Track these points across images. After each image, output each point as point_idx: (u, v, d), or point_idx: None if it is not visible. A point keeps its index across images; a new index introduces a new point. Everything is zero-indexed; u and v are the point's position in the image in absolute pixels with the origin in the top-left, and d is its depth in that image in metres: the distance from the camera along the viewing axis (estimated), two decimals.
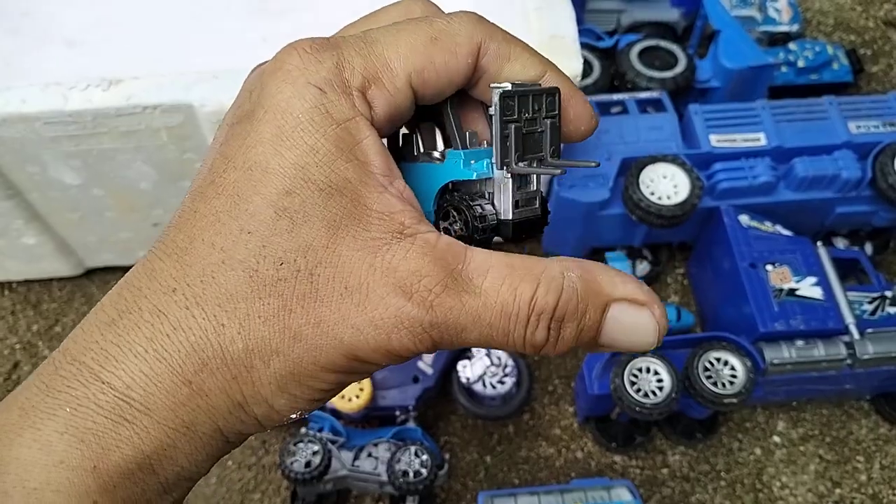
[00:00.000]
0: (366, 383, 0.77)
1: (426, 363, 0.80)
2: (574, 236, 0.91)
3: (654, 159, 0.83)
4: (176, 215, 0.29)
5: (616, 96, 0.92)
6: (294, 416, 0.29)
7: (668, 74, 0.95)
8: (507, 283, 0.26)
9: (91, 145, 0.69)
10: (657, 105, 0.92)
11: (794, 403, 0.88)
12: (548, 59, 0.30)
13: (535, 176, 0.31)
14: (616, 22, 1.11)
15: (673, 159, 0.83)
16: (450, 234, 0.29)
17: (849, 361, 0.78)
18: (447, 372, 0.83)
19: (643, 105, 0.92)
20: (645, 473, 0.84)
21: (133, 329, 0.27)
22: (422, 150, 0.32)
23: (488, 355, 0.81)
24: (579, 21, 1.09)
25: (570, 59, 0.71)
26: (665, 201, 0.81)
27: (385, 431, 0.78)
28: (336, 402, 0.76)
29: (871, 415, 0.88)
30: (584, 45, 1.01)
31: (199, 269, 0.27)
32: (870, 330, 0.79)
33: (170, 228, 0.28)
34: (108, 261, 0.91)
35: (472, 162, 0.30)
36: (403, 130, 0.32)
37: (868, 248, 0.97)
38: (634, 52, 0.98)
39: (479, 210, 0.30)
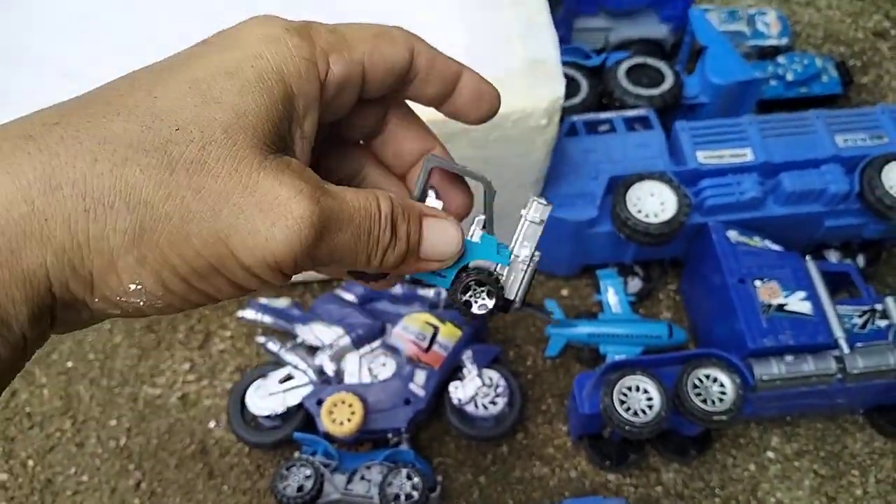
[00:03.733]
0: (357, 406, 0.77)
1: (418, 385, 0.81)
2: (564, 254, 0.92)
3: (640, 177, 0.84)
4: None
5: (603, 115, 0.93)
6: (131, 291, 0.27)
7: (655, 92, 0.96)
8: (360, 195, 0.31)
9: None
10: (645, 122, 0.93)
11: (787, 418, 0.88)
12: (458, 60, 0.36)
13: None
14: (604, 40, 1.12)
15: (660, 177, 0.83)
16: (469, 307, 0.36)
17: (839, 376, 0.78)
18: (439, 394, 0.83)
19: (630, 123, 0.93)
20: (639, 491, 0.84)
21: (4, 148, 0.25)
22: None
23: (480, 376, 0.81)
24: (567, 40, 1.11)
25: (552, 84, 0.71)
26: (652, 219, 0.81)
27: (377, 454, 0.79)
28: (328, 425, 0.76)
29: (866, 428, 0.88)
30: (572, 64, 1.02)
31: (91, 112, 0.27)
32: (860, 344, 0.79)
33: (100, 86, 0.29)
34: None
35: (501, 250, 0.35)
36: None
37: (860, 259, 0.97)
38: (622, 70, 0.99)
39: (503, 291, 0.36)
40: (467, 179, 0.37)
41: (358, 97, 0.33)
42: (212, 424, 0.87)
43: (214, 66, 0.28)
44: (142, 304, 0.28)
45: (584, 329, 0.89)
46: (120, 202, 0.25)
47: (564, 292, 0.97)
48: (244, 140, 0.28)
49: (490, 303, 0.36)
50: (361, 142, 0.38)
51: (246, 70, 0.28)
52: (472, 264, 0.36)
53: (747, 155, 0.87)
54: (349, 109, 0.33)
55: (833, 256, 0.96)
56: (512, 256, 0.36)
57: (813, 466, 0.86)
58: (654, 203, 0.83)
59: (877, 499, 0.84)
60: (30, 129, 0.26)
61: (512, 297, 0.36)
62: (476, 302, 0.36)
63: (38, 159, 0.25)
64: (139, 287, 0.27)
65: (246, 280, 0.28)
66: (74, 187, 0.25)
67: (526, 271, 0.36)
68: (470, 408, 0.81)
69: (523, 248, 0.37)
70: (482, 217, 0.36)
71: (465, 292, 0.36)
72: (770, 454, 0.86)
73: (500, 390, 0.82)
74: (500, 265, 0.36)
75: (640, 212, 0.82)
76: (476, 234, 0.36)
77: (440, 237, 0.34)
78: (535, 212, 0.36)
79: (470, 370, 0.82)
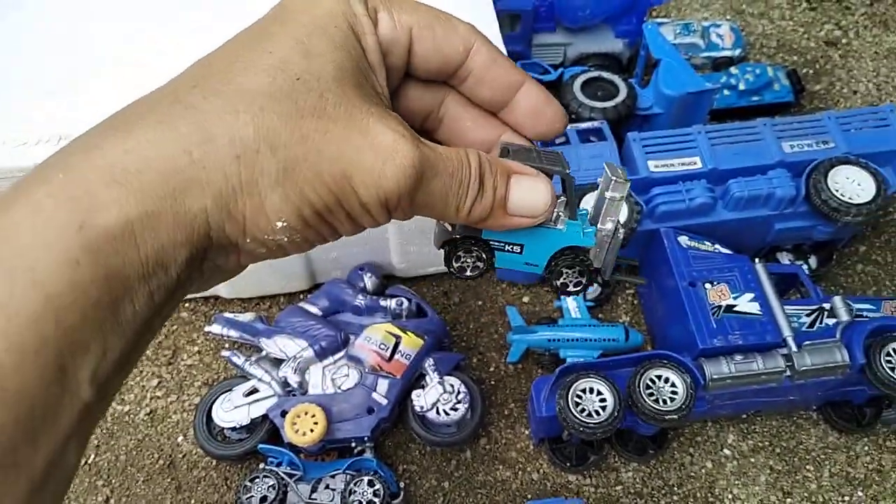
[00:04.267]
0: (320, 416, 0.79)
1: (381, 394, 0.82)
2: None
3: (593, 187, 0.86)
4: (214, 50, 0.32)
5: None
6: (278, 229, 0.30)
7: (609, 104, 0.98)
8: (451, 149, 0.33)
9: None
10: (599, 134, 0.95)
11: (743, 416, 0.91)
12: (524, 71, 0.37)
13: None
14: (563, 55, 1.15)
15: None
16: (566, 288, 0.41)
17: (788, 373, 0.80)
18: (403, 402, 0.85)
19: (585, 135, 0.96)
20: (599, 491, 0.86)
21: (147, 112, 0.29)
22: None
23: (441, 383, 0.83)
24: (526, 56, 1.14)
25: None
26: None
27: (341, 463, 0.80)
28: (291, 436, 0.78)
29: (820, 423, 0.91)
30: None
31: (222, 71, 0.30)
32: (807, 342, 0.81)
33: (206, 55, 0.32)
34: None
35: (586, 233, 0.39)
36: None
37: (813, 261, 1.00)
38: (577, 84, 1.02)
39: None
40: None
41: (405, 69, 0.35)
42: (180, 439, 0.88)
43: (306, 25, 0.31)
44: (286, 240, 0.31)
45: (543, 334, 0.91)
46: (264, 147, 0.29)
47: (526, 299, 1.00)
48: (351, 89, 0.31)
49: (584, 280, 0.41)
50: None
51: (330, 28, 0.32)
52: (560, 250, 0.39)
53: (697, 163, 0.90)
54: (398, 79, 0.35)
55: (786, 258, 0.99)
56: (597, 233, 0.39)
57: (769, 462, 0.88)
58: None
59: (831, 492, 0.86)
60: (173, 94, 0.29)
61: (600, 267, 0.41)
62: (571, 282, 0.41)
63: (190, 116, 0.28)
64: (284, 224, 0.30)
65: (361, 216, 0.32)
66: (224, 138, 0.28)
67: (610, 244, 0.40)
68: (432, 414, 0.82)
69: (607, 223, 0.40)
70: (563, 203, 0.38)
71: (558, 277, 0.40)
72: (726, 451, 0.89)
73: (461, 396, 0.84)
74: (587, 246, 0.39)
75: None
76: (561, 221, 0.38)
77: (528, 193, 0.35)
78: (614, 191, 0.39)
79: (432, 377, 0.84)
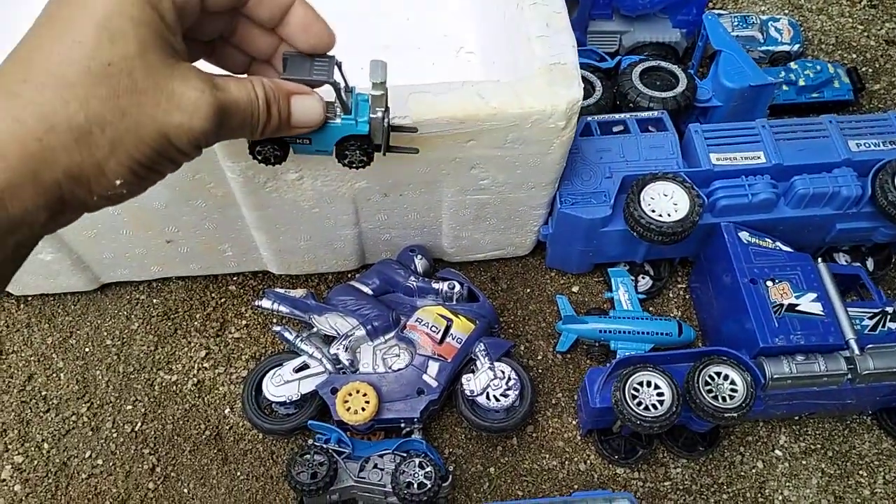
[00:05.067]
0: (371, 396, 0.78)
1: (431, 376, 0.82)
2: (576, 252, 0.93)
3: (654, 177, 0.85)
4: (24, 36, 0.39)
5: (618, 116, 0.94)
6: (118, 185, 0.39)
7: (668, 94, 0.97)
8: (241, 85, 0.44)
9: None
10: (658, 124, 0.94)
11: (796, 417, 0.89)
12: None
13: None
14: (618, 43, 1.13)
15: (673, 177, 0.84)
16: (352, 165, 0.57)
17: (849, 376, 0.79)
18: (452, 385, 0.84)
19: (644, 124, 0.94)
20: (647, 486, 0.85)
21: None
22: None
23: (491, 369, 0.82)
24: (581, 43, 1.12)
25: (570, 87, 0.72)
26: (665, 218, 0.83)
27: (390, 443, 0.80)
28: (342, 414, 0.78)
29: (874, 429, 0.89)
30: (586, 66, 1.03)
31: (44, 67, 0.36)
32: (870, 345, 0.79)
33: (16, 48, 0.38)
34: (123, 276, 0.94)
35: (360, 124, 0.54)
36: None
37: (870, 263, 0.98)
38: (636, 73, 1.00)
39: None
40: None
41: (200, 11, 0.43)
42: (227, 411, 0.88)
43: (108, 7, 0.37)
44: (125, 192, 0.40)
45: (594, 325, 0.90)
46: (95, 129, 0.37)
47: (575, 289, 0.98)
48: (154, 60, 0.39)
49: (366, 158, 0.56)
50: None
51: (127, 7, 0.38)
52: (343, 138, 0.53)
53: (760, 157, 0.88)
54: (194, 19, 0.43)
55: (843, 259, 0.97)
56: (370, 123, 0.53)
57: (821, 465, 0.87)
58: (667, 203, 0.84)
59: (885, 499, 0.85)
60: (6, 88, 0.36)
61: (378, 142, 0.56)
62: (355, 161, 0.56)
63: (31, 109, 0.36)
64: (122, 181, 0.39)
65: (180, 158, 0.42)
66: (63, 125, 0.36)
67: (383, 127, 0.55)
68: (481, 399, 0.82)
69: (376, 112, 0.54)
70: (337, 105, 0.52)
71: (343, 157, 0.56)
72: (778, 452, 0.87)
73: (511, 383, 0.83)
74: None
75: (653, 211, 0.83)
76: (338, 117, 0.52)
77: (305, 110, 0.49)
78: (374, 90, 0.52)
79: (483, 362, 0.83)
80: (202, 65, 0.47)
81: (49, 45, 0.37)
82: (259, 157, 0.54)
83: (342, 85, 0.51)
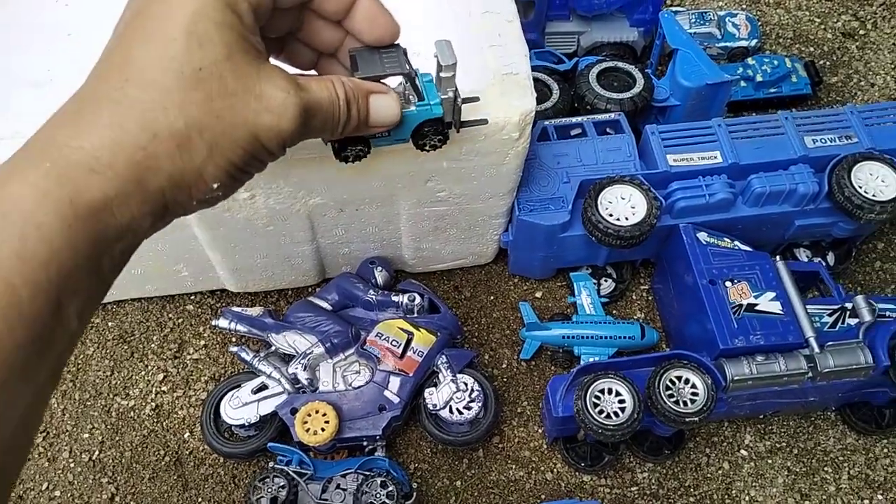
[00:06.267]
0: (331, 415, 0.77)
1: (392, 392, 0.81)
2: (538, 258, 0.92)
3: (611, 181, 0.84)
4: (111, 41, 0.39)
5: (575, 119, 0.93)
6: (215, 188, 0.40)
7: (626, 95, 0.96)
8: (322, 84, 0.45)
9: None
10: (616, 126, 0.93)
11: (760, 416, 0.89)
12: None
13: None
14: (576, 44, 1.13)
15: (630, 180, 0.84)
16: (424, 147, 0.59)
17: (810, 375, 0.79)
18: (414, 400, 0.83)
19: (602, 127, 0.93)
20: (614, 492, 0.84)
21: (96, 113, 0.36)
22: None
23: (454, 381, 0.81)
24: (539, 44, 1.11)
25: (523, 97, 0.71)
26: (623, 222, 0.82)
27: (353, 462, 0.79)
28: (302, 435, 0.76)
29: (839, 425, 0.89)
30: (543, 69, 1.02)
31: (140, 74, 0.37)
32: (830, 343, 0.79)
33: (107, 50, 0.39)
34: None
35: (434, 107, 0.54)
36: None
37: (830, 258, 0.98)
38: (593, 75, 0.99)
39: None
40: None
41: (273, 8, 0.44)
42: (186, 435, 0.86)
43: (190, 12, 0.38)
44: (221, 193, 0.41)
45: (557, 332, 0.89)
46: (194, 134, 0.38)
47: (539, 294, 0.98)
48: (240, 62, 0.39)
49: (442, 138, 0.57)
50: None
51: (210, 11, 0.38)
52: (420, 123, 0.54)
53: (717, 157, 0.87)
54: (268, 17, 0.44)
55: (803, 255, 0.98)
56: (442, 104, 0.54)
57: (786, 464, 0.87)
58: (625, 206, 0.83)
59: (850, 495, 0.85)
60: (107, 96, 0.37)
61: (450, 121, 0.57)
62: (429, 142, 0.58)
63: (133, 118, 0.36)
64: (219, 184, 0.40)
65: (268, 157, 0.42)
66: (165, 132, 0.37)
67: (453, 106, 0.56)
68: (444, 413, 0.81)
69: (447, 93, 0.55)
70: (408, 92, 0.53)
71: (421, 140, 0.57)
72: (743, 452, 0.87)
73: (474, 395, 0.82)
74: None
75: (611, 215, 0.83)
76: (412, 104, 0.53)
77: (383, 109, 0.49)
78: (445, 72, 0.53)
79: (445, 375, 0.82)
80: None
81: (140, 51, 0.38)
82: (347, 161, 0.55)
83: (415, 72, 0.51)
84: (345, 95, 0.45)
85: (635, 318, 0.96)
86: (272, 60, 0.47)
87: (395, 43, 0.51)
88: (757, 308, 0.80)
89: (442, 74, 0.53)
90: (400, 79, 0.52)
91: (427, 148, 0.58)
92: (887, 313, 0.85)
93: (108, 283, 0.37)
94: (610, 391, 0.76)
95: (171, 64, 0.37)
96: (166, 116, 0.36)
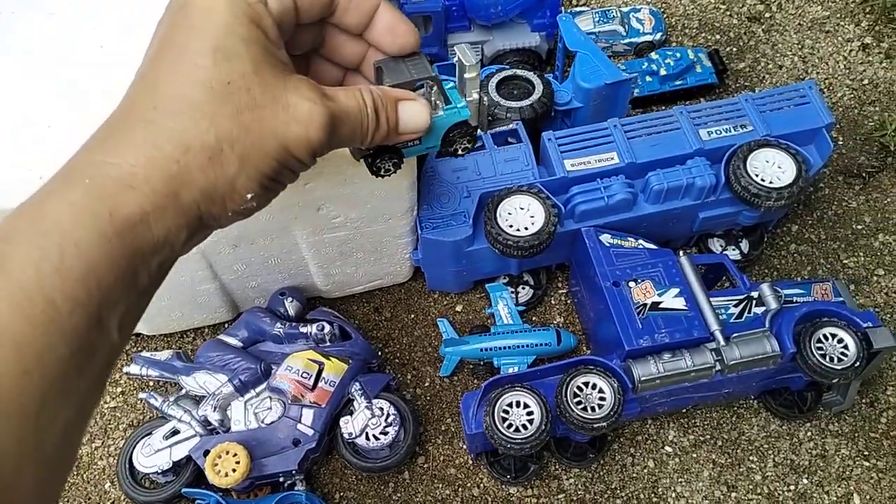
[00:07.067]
0: (242, 455, 0.76)
1: (306, 425, 0.80)
2: (450, 273, 0.92)
3: (509, 192, 0.84)
4: (142, 65, 0.41)
5: None
6: (249, 199, 0.41)
7: (524, 103, 0.96)
8: (349, 94, 0.45)
9: None
10: (515, 136, 0.93)
11: (683, 410, 0.89)
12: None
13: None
14: (480, 53, 1.13)
15: (527, 189, 0.84)
16: (457, 153, 0.58)
17: (718, 368, 0.79)
18: (331, 430, 0.82)
19: (502, 137, 0.93)
20: (541, 502, 0.84)
21: (130, 132, 0.37)
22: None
23: (369, 407, 0.81)
24: (443, 57, 1.11)
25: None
26: (523, 232, 0.82)
27: (269, 499, 0.78)
28: (213, 477, 0.75)
29: (762, 413, 0.90)
30: (445, 83, 1.02)
31: (170, 91, 0.38)
32: (735, 334, 0.80)
33: (139, 74, 0.40)
34: None
35: (461, 110, 0.54)
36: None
37: (744, 245, 0.98)
38: (492, 84, 0.99)
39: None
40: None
41: (295, 23, 0.45)
42: (107, 486, 0.85)
43: (216, 28, 0.39)
44: (254, 204, 0.42)
45: (475, 345, 0.89)
46: (226, 147, 0.38)
47: (459, 308, 0.97)
48: (267, 74, 0.40)
49: (470, 141, 0.57)
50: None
51: (237, 27, 0.39)
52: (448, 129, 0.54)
53: (614, 158, 0.88)
54: (291, 32, 0.45)
55: (717, 244, 0.98)
56: (468, 107, 0.54)
57: (711, 456, 0.87)
58: (524, 216, 0.83)
59: (776, 482, 0.85)
60: (141, 115, 0.38)
61: (476, 124, 0.57)
62: (460, 147, 0.57)
63: (166, 134, 0.37)
64: (252, 195, 0.41)
65: (299, 167, 0.43)
66: (197, 146, 0.38)
67: (479, 108, 0.56)
68: (361, 441, 0.80)
69: (472, 95, 0.55)
70: (434, 98, 0.52)
71: (451, 145, 0.56)
72: (668, 448, 0.87)
73: (391, 419, 0.81)
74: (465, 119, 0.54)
75: (511, 226, 0.82)
76: (440, 108, 0.53)
77: (412, 116, 0.49)
78: (469, 73, 0.53)
79: (359, 402, 0.82)
80: None
81: (170, 70, 0.39)
82: (380, 173, 0.54)
83: (440, 77, 0.51)
84: (372, 103, 0.46)
85: (555, 323, 0.96)
86: None
87: (417, 51, 0.51)
88: (661, 306, 0.80)
89: (466, 76, 0.53)
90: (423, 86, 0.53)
91: (460, 152, 0.58)
92: (794, 298, 0.86)
93: (148, 297, 0.38)
94: (518, 404, 0.76)
95: (201, 79, 0.38)
96: (197, 129, 0.37)
